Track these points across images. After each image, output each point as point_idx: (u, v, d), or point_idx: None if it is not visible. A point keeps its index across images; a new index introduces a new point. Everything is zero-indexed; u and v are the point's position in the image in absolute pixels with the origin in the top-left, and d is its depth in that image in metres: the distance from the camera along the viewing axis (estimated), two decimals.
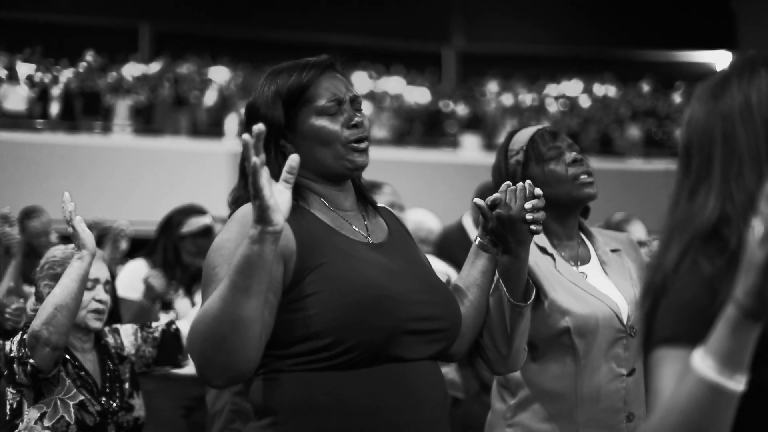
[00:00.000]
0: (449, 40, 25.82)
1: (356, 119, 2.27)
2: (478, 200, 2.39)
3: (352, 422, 2.07)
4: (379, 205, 2.47)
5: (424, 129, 20.95)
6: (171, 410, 4.80)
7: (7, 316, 4.22)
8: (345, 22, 24.18)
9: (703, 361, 1.33)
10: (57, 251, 3.56)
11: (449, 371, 5.13)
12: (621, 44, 25.25)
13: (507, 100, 22.25)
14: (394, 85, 21.99)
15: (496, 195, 2.36)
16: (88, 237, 3.25)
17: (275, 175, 1.93)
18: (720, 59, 26.15)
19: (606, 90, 23.69)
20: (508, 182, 2.38)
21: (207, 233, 5.24)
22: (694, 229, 1.52)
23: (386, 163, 16.92)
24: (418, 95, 21.71)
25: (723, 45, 25.57)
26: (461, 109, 21.21)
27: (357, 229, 2.28)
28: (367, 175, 4.99)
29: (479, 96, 22.25)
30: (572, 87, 23.66)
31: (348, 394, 2.07)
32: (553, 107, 22.31)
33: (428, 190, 16.60)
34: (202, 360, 1.96)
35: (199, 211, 5.38)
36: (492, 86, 23.00)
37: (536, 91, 23.09)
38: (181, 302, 5.12)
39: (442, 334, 2.22)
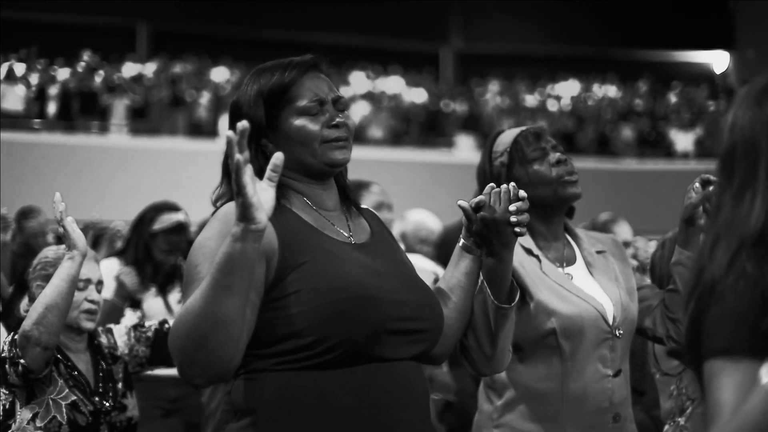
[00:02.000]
0: (447, 40, 25.84)
1: (337, 120, 2.27)
2: (461, 202, 2.37)
3: (333, 422, 2.06)
4: (363, 206, 2.47)
5: (421, 129, 20.95)
6: (147, 411, 4.76)
7: None
8: (343, 21, 24.21)
9: None
10: (49, 252, 3.57)
11: (441, 373, 5.13)
12: (618, 44, 25.27)
13: (504, 100, 22.25)
14: (391, 85, 21.99)
15: (480, 197, 2.35)
16: (79, 237, 3.25)
17: (256, 175, 1.92)
18: (718, 59, 26.17)
19: (604, 90, 23.71)
20: (492, 184, 2.37)
21: (179, 230, 5.15)
22: (741, 234, 1.53)
23: (383, 163, 16.94)
24: (416, 95, 21.72)
25: (721, 45, 25.60)
26: (458, 110, 21.21)
27: (340, 229, 2.28)
28: (364, 174, 5.00)
29: (476, 96, 22.26)
30: (570, 87, 23.68)
31: (329, 394, 2.07)
32: (550, 107, 22.32)
33: (425, 190, 16.62)
34: (183, 358, 1.94)
35: (171, 207, 5.29)
36: (489, 86, 23.03)
37: (533, 91, 23.10)
38: (153, 301, 5.06)
39: (424, 335, 2.22)
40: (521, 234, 2.32)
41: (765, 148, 1.57)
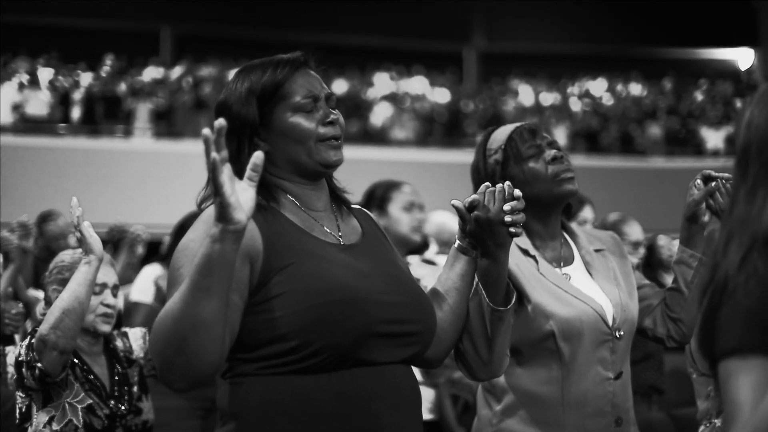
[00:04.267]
0: (470, 40, 25.80)
1: (332, 117, 2.22)
2: (455, 202, 2.32)
3: (319, 427, 2.02)
4: (355, 206, 2.42)
5: (445, 130, 20.92)
6: (188, 411, 4.80)
7: (6, 321, 4.22)
8: (366, 23, 24.21)
9: None
10: (65, 256, 3.60)
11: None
12: (643, 42, 25.16)
13: (527, 99, 22.19)
14: (415, 85, 21.97)
15: (474, 196, 2.30)
16: (95, 242, 3.28)
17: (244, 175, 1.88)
18: (742, 56, 26.02)
19: (628, 88, 23.61)
20: (486, 183, 2.32)
21: None
22: (754, 231, 1.53)
23: (408, 164, 16.92)
24: (439, 96, 21.68)
25: (745, 42, 25.45)
26: (482, 110, 21.17)
27: (328, 230, 2.23)
28: (389, 176, 4.96)
29: (499, 95, 22.21)
30: (594, 86, 23.59)
31: (315, 399, 2.03)
32: (575, 106, 22.25)
33: (450, 190, 16.55)
34: (163, 362, 1.90)
35: None
36: (512, 85, 22.98)
37: (557, 90, 23.04)
38: None
39: (414, 338, 2.17)
40: (516, 234, 2.27)
41: None
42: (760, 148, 1.58)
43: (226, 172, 1.79)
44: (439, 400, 4.78)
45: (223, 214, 1.81)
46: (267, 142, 2.20)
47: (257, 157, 1.85)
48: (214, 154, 1.77)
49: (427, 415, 4.64)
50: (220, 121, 1.77)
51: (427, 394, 4.69)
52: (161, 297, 4.96)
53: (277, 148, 2.20)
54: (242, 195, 1.84)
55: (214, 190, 1.79)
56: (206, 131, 1.76)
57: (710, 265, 1.57)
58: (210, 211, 2.05)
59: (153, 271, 5.18)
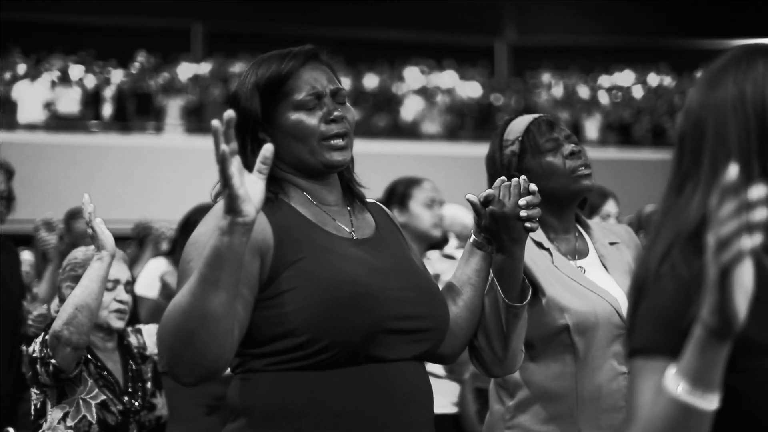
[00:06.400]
0: (501, 33, 25.71)
1: (335, 114, 2.16)
2: (470, 196, 2.29)
3: (328, 425, 2.00)
4: (369, 200, 2.37)
5: (476, 123, 20.83)
6: (192, 409, 4.78)
7: (29, 322, 4.25)
8: (397, 17, 24.20)
9: (674, 382, 1.30)
10: (78, 253, 3.62)
11: None
12: (674, 34, 24.97)
13: (559, 92, 22.09)
14: (446, 79, 21.91)
15: (488, 191, 2.27)
16: (107, 238, 3.28)
17: (252, 169, 1.85)
18: None
19: (660, 80, 23.45)
20: (502, 177, 2.29)
21: None
22: (679, 225, 1.46)
23: (439, 158, 16.90)
24: (470, 89, 21.61)
25: None
26: (513, 103, 21.08)
27: (341, 225, 2.19)
28: (420, 170, 4.95)
29: (531, 88, 22.11)
30: (625, 78, 23.44)
31: (324, 396, 2.01)
32: (605, 98, 22.12)
33: (480, 184, 16.48)
34: (171, 356, 1.88)
35: None
36: (544, 78, 22.88)
37: (589, 82, 22.91)
38: None
39: (426, 334, 2.14)
40: (532, 230, 2.24)
41: (710, 135, 1.49)
42: (693, 135, 1.51)
43: (235, 164, 1.77)
44: (462, 394, 4.76)
45: (232, 206, 1.79)
46: (272, 138, 2.16)
47: (267, 149, 1.83)
48: (223, 146, 1.75)
49: (451, 409, 4.63)
50: (229, 113, 1.76)
51: (452, 388, 4.68)
52: (166, 293, 4.91)
53: (281, 144, 2.15)
54: (252, 187, 1.81)
55: (223, 181, 1.77)
56: (215, 122, 1.74)
57: (640, 261, 1.51)
58: (221, 205, 2.00)
59: (158, 266, 5.15)
